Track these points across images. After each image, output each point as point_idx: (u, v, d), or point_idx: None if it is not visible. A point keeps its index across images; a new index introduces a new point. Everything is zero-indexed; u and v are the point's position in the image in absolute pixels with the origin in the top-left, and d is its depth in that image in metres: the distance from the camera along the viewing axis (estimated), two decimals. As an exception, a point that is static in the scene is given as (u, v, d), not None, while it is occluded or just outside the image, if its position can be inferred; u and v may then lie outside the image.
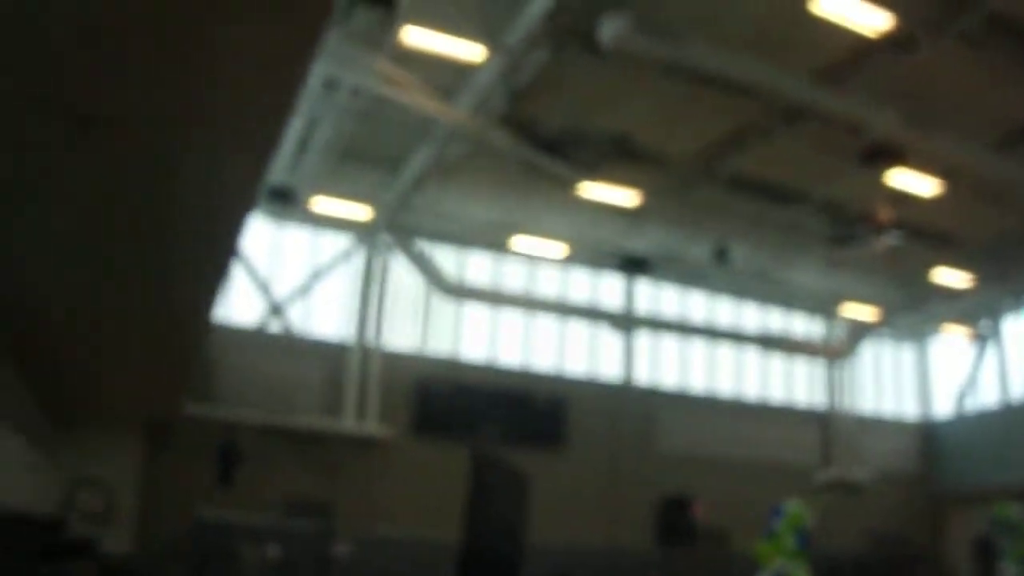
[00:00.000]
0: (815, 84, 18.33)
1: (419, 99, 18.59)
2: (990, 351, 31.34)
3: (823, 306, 31.20)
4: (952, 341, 32.57)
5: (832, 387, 32.02)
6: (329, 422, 24.92)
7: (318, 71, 17.56)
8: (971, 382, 32.02)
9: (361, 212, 24.24)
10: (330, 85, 19.02)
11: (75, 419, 20.80)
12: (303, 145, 21.74)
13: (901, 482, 32.01)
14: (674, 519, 16.33)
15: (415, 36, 16.65)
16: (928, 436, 33.13)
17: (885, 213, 22.42)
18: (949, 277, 27.21)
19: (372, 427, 25.17)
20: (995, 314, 30.88)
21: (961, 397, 32.31)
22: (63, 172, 7.65)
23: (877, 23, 15.89)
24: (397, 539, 24.25)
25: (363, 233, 25.91)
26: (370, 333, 25.93)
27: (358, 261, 26.41)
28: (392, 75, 17.94)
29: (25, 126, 6.67)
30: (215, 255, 10.17)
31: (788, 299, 30.85)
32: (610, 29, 15.95)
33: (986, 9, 16.38)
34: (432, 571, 22.17)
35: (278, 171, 21.96)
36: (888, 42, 16.84)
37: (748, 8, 16.88)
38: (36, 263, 10.55)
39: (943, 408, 33.22)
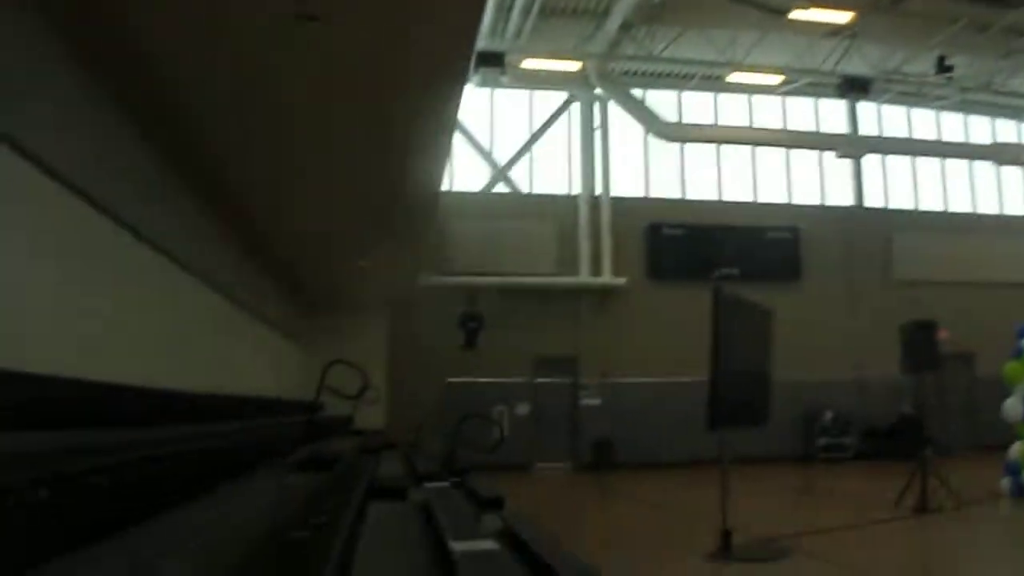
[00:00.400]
0: None
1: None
2: None
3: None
4: None
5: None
6: (565, 277, 25.31)
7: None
8: None
9: (572, 67, 24.15)
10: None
11: (326, 308, 21.86)
12: (506, 8, 21.72)
13: None
14: (918, 345, 15.90)
15: None
16: None
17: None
18: None
19: (607, 277, 25.44)
20: None
21: None
22: (284, 67, 7.92)
23: None
24: (642, 385, 24.64)
25: (576, 87, 25.87)
26: (596, 184, 26.06)
27: (575, 115, 26.48)
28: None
29: (252, 24, 6.94)
30: (437, 126, 10.35)
31: (1017, 109, 29.22)
32: None
33: None
34: (680, 414, 22.48)
35: (484, 37, 22.04)
36: None
37: None
38: (276, 166, 11.00)
39: None
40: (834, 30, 23.07)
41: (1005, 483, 16.03)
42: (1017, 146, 29.05)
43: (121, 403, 7.00)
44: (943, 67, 23.89)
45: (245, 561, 3.93)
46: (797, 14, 21.19)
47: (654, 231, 26.09)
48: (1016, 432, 16.15)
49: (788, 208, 27.50)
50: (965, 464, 20.14)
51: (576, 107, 26.40)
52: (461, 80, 9.08)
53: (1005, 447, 16.35)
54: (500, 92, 25.90)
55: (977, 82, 26.43)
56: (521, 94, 26.20)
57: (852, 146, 27.47)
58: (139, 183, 8.61)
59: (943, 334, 16.21)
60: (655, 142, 26.10)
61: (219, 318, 13.10)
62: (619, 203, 26.01)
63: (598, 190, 25.92)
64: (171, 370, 9.73)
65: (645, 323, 24.94)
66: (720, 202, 27.13)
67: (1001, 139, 29.12)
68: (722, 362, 10.71)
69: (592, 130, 26.30)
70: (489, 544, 4.80)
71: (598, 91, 25.61)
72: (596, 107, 26.33)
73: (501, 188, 25.82)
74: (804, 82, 25.99)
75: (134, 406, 7.26)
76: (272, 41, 7.36)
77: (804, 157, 27.92)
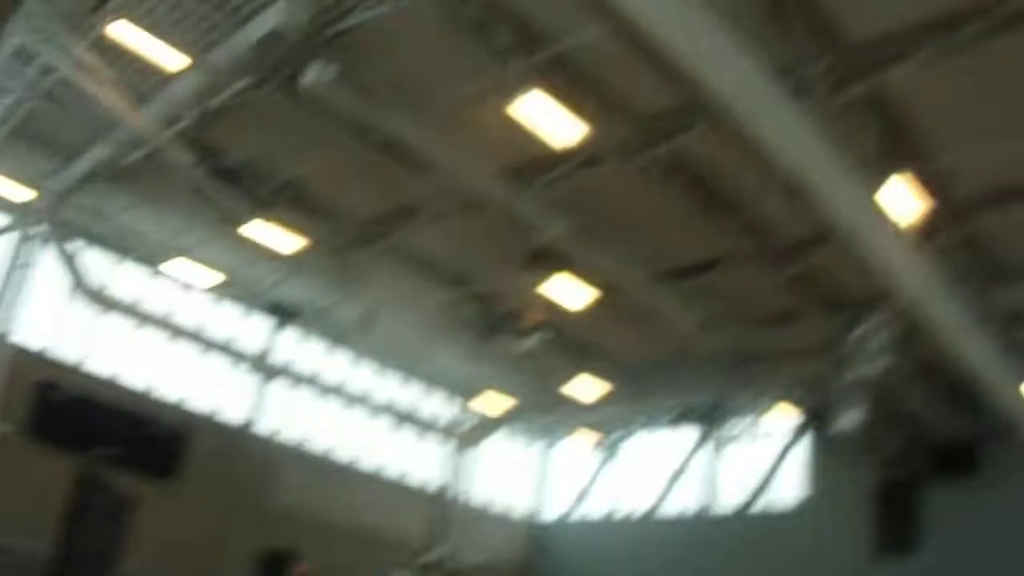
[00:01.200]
0: (500, 179, 18.92)
1: (109, 95, 17.88)
2: (609, 463, 33.20)
3: (462, 390, 31.93)
4: (577, 447, 34.13)
5: (454, 470, 32.87)
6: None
7: (13, 40, 16.67)
8: (586, 489, 33.82)
9: (22, 194, 22.88)
10: (22, 57, 18.09)
11: None
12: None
13: (507, 574, 32.97)
14: (271, 573, 16.09)
15: (122, 30, 16.06)
16: (537, 534, 34.51)
17: (535, 315, 23.16)
18: (586, 387, 27.74)
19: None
20: (624, 429, 32.77)
21: (575, 502, 33.98)
22: None
23: (570, 136, 16.29)
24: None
25: (19, 217, 24.44)
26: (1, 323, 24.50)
27: (6, 245, 24.93)
28: (88, 63, 17.22)
29: None
30: None
31: (430, 376, 31.38)
32: (313, 75, 15.96)
33: (671, 150, 17.53)
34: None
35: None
36: (576, 155, 17.69)
37: (451, 94, 17.24)
38: None
39: (556, 509, 34.79)
40: (280, 254, 23.63)
41: None
42: (413, 413, 30.97)
43: None
44: (367, 319, 25.23)
45: None
46: (251, 227, 21.60)
47: (46, 389, 24.59)
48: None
49: (183, 408, 27.32)
50: None
51: (11, 238, 24.88)
52: None
53: None
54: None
55: (398, 341, 28.09)
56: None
57: (262, 366, 28.02)
58: None
59: (302, 568, 16.55)
60: (76, 299, 25.08)
61: None
62: (17, 351, 24.53)
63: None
64: None
65: (11, 479, 23.08)
66: (118, 383, 26.34)
67: (408, 400, 31.14)
68: (71, 537, 10.22)
69: (15, 267, 24.92)
70: None
71: (39, 229, 24.40)
72: (29, 245, 25.02)
73: None
74: (239, 290, 26.34)
75: None
76: None
77: (215, 360, 28.08)
